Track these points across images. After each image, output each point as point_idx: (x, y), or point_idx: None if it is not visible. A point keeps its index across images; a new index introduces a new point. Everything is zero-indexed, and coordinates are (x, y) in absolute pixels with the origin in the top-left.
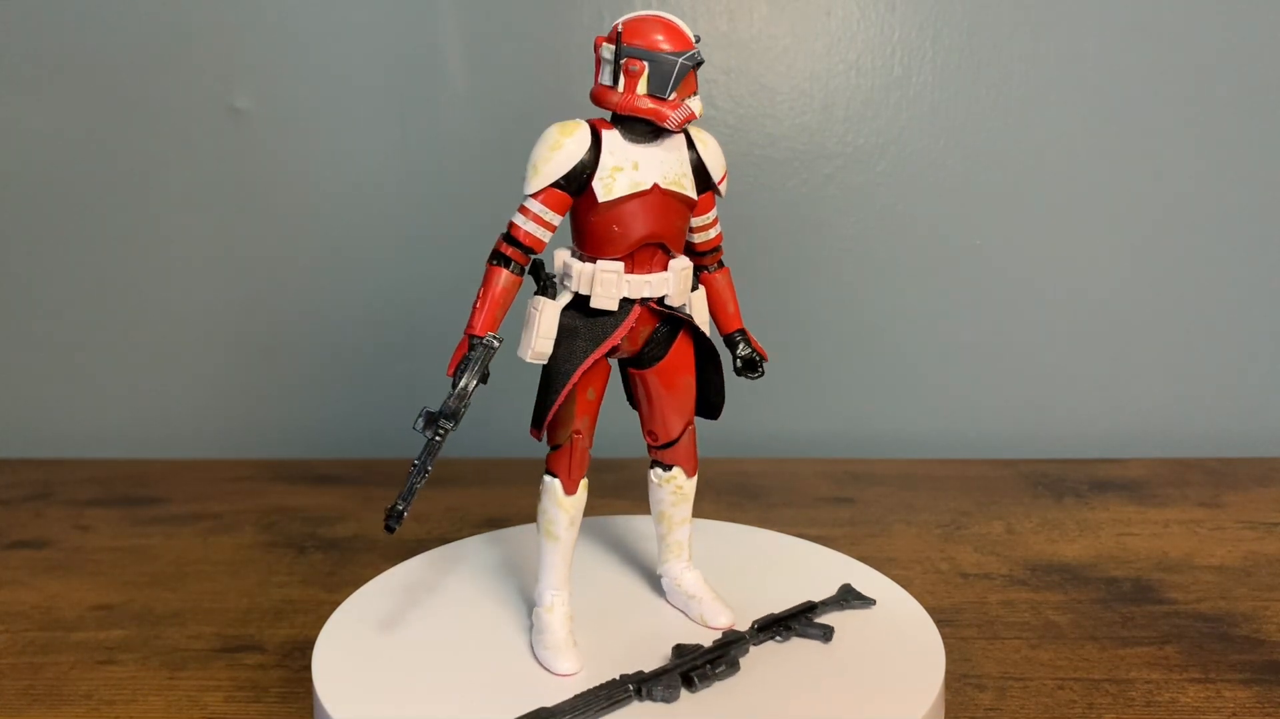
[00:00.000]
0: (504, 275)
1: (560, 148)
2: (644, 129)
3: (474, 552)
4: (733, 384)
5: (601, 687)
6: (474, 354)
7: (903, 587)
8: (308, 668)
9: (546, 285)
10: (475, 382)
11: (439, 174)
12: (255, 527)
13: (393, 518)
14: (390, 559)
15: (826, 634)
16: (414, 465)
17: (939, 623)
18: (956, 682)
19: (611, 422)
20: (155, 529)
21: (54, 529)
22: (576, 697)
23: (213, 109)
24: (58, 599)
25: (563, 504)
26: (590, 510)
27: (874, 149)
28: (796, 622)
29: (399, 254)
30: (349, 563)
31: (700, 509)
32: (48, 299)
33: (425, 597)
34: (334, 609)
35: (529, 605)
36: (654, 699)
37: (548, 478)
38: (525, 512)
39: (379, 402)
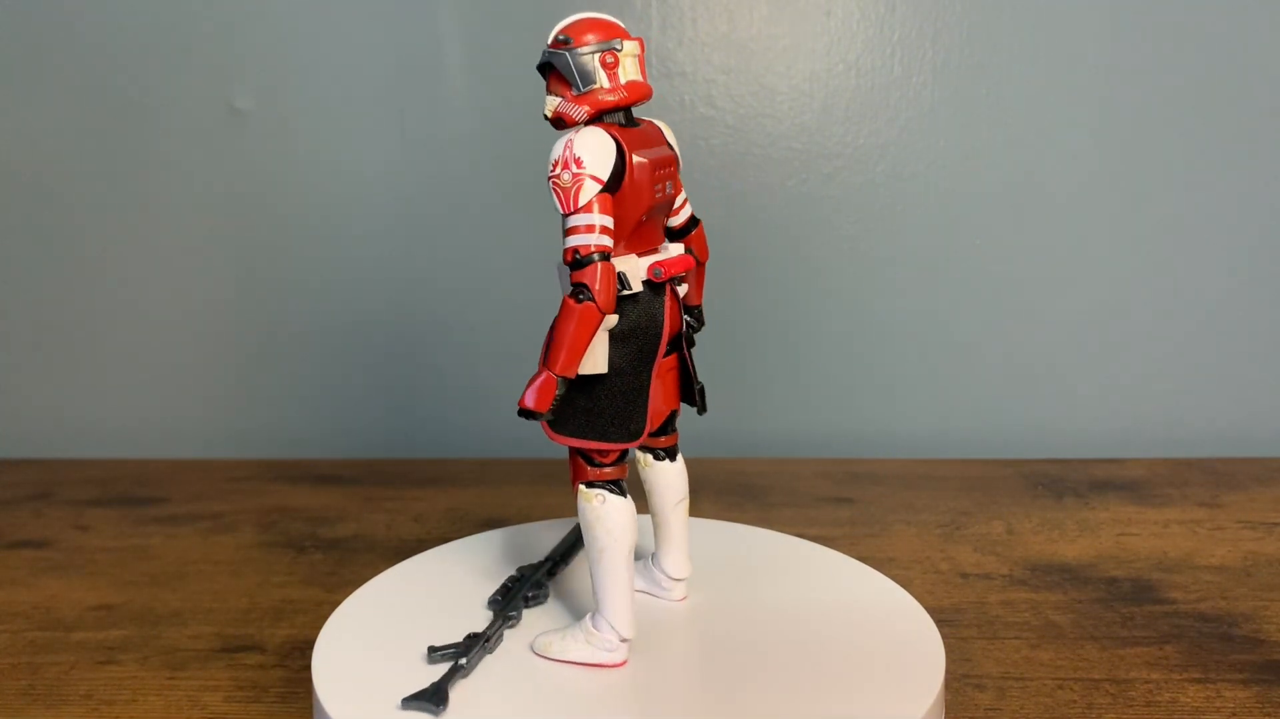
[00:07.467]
0: None
1: None
2: None
3: (474, 551)
4: (735, 385)
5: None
6: None
7: (903, 587)
8: (308, 668)
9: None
10: None
11: (439, 174)
12: (255, 527)
13: None
14: (390, 559)
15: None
16: None
17: (939, 623)
18: (956, 682)
19: None
20: (155, 529)
21: (54, 529)
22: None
23: (213, 109)
24: (58, 599)
25: None
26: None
27: (874, 149)
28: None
29: (399, 254)
30: (349, 563)
31: (700, 509)
32: (48, 299)
33: (425, 597)
34: (334, 609)
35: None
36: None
37: None
38: (524, 511)
39: (379, 402)
